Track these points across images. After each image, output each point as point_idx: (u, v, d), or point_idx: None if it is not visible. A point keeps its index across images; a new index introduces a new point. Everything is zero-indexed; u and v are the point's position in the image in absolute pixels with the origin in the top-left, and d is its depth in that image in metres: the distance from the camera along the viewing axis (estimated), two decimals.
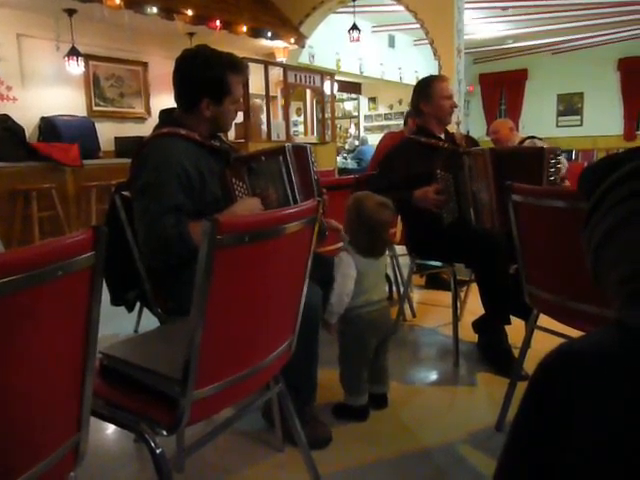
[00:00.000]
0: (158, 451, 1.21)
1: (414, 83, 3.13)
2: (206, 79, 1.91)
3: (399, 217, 3.19)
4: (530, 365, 2.15)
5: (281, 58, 8.75)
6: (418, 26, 7.78)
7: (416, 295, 4.03)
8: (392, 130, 6.40)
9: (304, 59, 9.60)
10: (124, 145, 6.54)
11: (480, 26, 10.83)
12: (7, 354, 0.83)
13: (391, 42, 12.28)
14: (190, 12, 6.60)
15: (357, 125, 15.36)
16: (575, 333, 1.77)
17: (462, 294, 3.47)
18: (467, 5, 7.78)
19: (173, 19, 6.55)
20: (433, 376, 2.69)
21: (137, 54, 7.47)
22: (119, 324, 3.04)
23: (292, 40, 8.35)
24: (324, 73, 8.23)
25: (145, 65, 7.61)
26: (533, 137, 4.34)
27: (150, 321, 2.38)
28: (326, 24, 9.25)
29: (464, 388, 2.53)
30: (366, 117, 14.96)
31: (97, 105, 7.15)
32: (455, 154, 2.75)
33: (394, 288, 3.73)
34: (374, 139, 12.68)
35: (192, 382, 1.18)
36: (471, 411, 2.28)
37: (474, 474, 1.84)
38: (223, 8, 7.15)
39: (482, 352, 2.78)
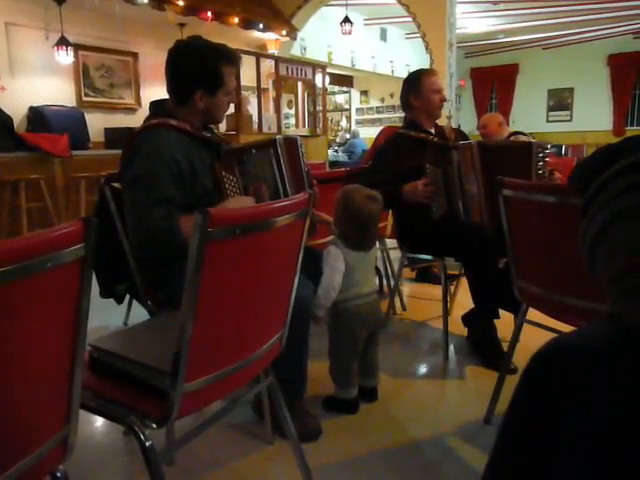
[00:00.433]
0: (148, 444, 1.21)
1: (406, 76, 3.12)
2: (200, 70, 1.90)
3: (390, 211, 3.19)
4: (519, 358, 2.17)
5: (273, 50, 8.71)
6: (410, 20, 7.78)
7: (406, 288, 4.04)
8: (390, 124, 6.42)
9: (296, 51, 9.57)
10: (114, 136, 6.49)
11: (472, 20, 10.83)
12: None
13: (383, 35, 12.26)
14: (181, 2, 6.54)
15: (348, 118, 15.34)
16: (564, 327, 1.78)
17: (452, 288, 3.48)
18: None
19: (164, 9, 6.50)
20: (423, 369, 2.70)
21: (127, 44, 7.41)
22: (108, 316, 3.03)
23: (284, 32, 8.32)
24: (316, 66, 8.21)
25: (135, 55, 7.56)
26: (518, 133, 4.36)
27: (139, 313, 2.37)
28: (318, 16, 9.22)
29: (454, 381, 2.55)
30: (357, 110, 14.95)
31: (87, 95, 7.09)
32: (444, 149, 2.75)
33: (384, 281, 3.75)
34: (365, 132, 12.72)
35: (182, 375, 1.18)
36: (460, 404, 2.30)
37: (463, 466, 1.85)
38: None
39: (472, 346, 2.80)
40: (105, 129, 6.77)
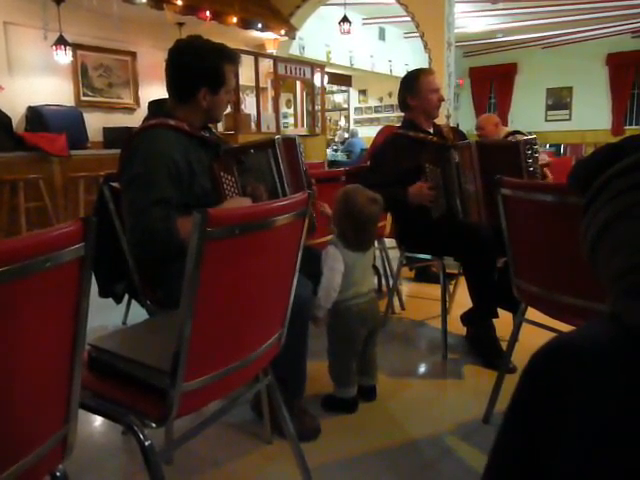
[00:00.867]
0: (147, 443, 1.21)
1: None
2: (204, 69, 1.91)
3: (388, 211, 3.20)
4: (518, 358, 2.17)
5: (271, 49, 8.71)
6: (409, 19, 7.78)
7: (405, 288, 4.04)
8: (389, 124, 6.40)
9: (294, 51, 9.57)
10: (112, 135, 6.50)
11: (470, 19, 10.84)
12: None
13: (381, 35, 12.27)
14: (180, 2, 6.54)
15: (347, 117, 15.34)
16: (563, 326, 1.78)
17: (451, 287, 3.49)
18: None
19: (162, 9, 6.49)
20: (422, 368, 2.70)
21: (126, 44, 7.40)
22: (107, 316, 3.03)
23: (282, 32, 8.32)
24: (314, 65, 8.22)
25: (134, 55, 7.55)
26: (517, 132, 4.35)
27: (138, 313, 2.37)
28: (317, 16, 9.22)
29: (452, 380, 2.55)
30: (356, 109, 14.95)
31: (85, 95, 7.09)
32: (443, 148, 2.75)
33: (383, 281, 3.75)
34: (364, 132, 12.71)
35: (181, 374, 1.18)
36: (459, 403, 2.30)
37: (462, 465, 1.85)
38: None
39: (470, 345, 2.80)
40: (104, 129, 6.76)
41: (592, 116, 13.26)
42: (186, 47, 1.95)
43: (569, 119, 13.85)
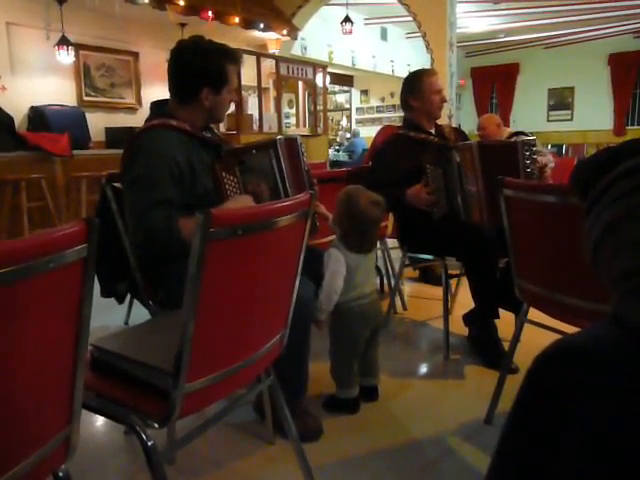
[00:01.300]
0: (149, 443, 1.21)
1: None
2: (207, 68, 1.92)
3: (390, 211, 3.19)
4: (520, 358, 2.17)
5: (273, 50, 8.71)
6: (410, 19, 7.77)
7: (407, 288, 4.04)
8: (390, 124, 6.40)
9: (296, 51, 9.57)
10: (115, 135, 6.51)
11: (472, 20, 10.83)
12: None
13: (383, 35, 12.26)
14: (182, 2, 6.54)
15: (349, 118, 15.34)
16: (565, 327, 1.78)
17: (453, 287, 3.49)
18: None
19: (165, 9, 6.50)
20: (424, 369, 2.70)
21: (128, 44, 7.41)
22: (109, 316, 3.03)
23: (284, 32, 8.32)
24: (316, 65, 8.22)
25: (136, 55, 7.56)
26: (520, 133, 4.32)
27: (140, 313, 2.37)
28: (319, 16, 9.22)
29: (454, 381, 2.55)
30: (358, 110, 14.95)
31: (87, 95, 7.10)
32: (444, 148, 2.75)
33: (385, 281, 3.75)
34: (366, 132, 12.71)
35: (184, 375, 1.18)
36: (461, 404, 2.30)
37: (463, 466, 1.85)
38: None
39: (472, 345, 2.80)
40: (106, 129, 6.78)
41: (594, 116, 13.25)
42: (188, 47, 1.95)
43: (571, 119, 13.83)
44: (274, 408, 1.83)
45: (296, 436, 1.72)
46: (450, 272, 2.87)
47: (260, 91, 7.18)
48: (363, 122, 14.62)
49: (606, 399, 0.53)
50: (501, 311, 2.66)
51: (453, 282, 3.47)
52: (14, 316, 0.83)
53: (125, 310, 3.14)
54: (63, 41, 6.33)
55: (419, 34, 7.73)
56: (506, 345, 2.36)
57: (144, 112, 7.01)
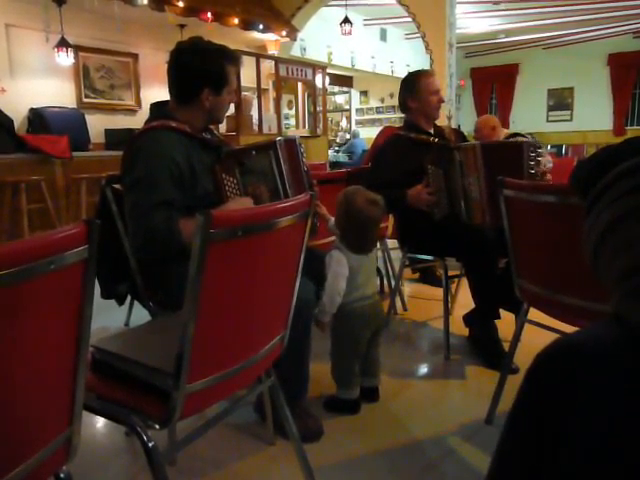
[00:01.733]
0: (150, 444, 1.21)
1: None
2: (207, 69, 1.92)
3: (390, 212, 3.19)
4: (520, 359, 2.17)
5: (273, 51, 8.71)
6: (410, 20, 7.77)
7: (407, 288, 4.04)
8: (390, 124, 6.42)
9: (296, 52, 9.57)
10: (114, 137, 6.51)
11: (472, 20, 10.83)
12: None
13: (383, 35, 12.26)
14: (181, 4, 6.54)
15: (348, 118, 15.34)
16: (565, 327, 1.78)
17: (453, 288, 3.49)
18: None
19: (164, 10, 6.50)
20: (424, 369, 2.71)
21: (127, 45, 7.41)
22: (109, 317, 3.03)
23: (284, 33, 8.32)
24: (316, 66, 8.22)
25: (135, 57, 7.56)
26: (517, 135, 4.30)
27: (141, 314, 2.37)
28: (318, 17, 9.22)
29: (455, 381, 2.55)
30: (357, 110, 14.95)
31: (87, 97, 7.10)
32: (446, 149, 2.75)
33: (385, 282, 3.75)
34: (365, 132, 12.71)
35: (185, 376, 1.18)
36: (461, 404, 2.30)
37: (464, 466, 1.85)
38: (215, 0, 7.10)
39: (473, 346, 2.80)
40: (105, 130, 6.77)
41: (593, 117, 13.25)
42: (188, 48, 1.95)
43: (570, 120, 13.83)
44: (275, 409, 1.83)
45: (297, 437, 1.72)
46: (450, 273, 2.87)
47: (259, 92, 7.18)
48: (363, 123, 14.62)
49: (606, 398, 0.53)
50: (502, 311, 2.66)
51: (453, 283, 3.47)
52: (15, 317, 0.83)
53: (125, 311, 3.14)
54: (62, 43, 6.33)
55: (418, 35, 7.73)
56: (506, 345, 2.36)
57: (144, 113, 7.02)
